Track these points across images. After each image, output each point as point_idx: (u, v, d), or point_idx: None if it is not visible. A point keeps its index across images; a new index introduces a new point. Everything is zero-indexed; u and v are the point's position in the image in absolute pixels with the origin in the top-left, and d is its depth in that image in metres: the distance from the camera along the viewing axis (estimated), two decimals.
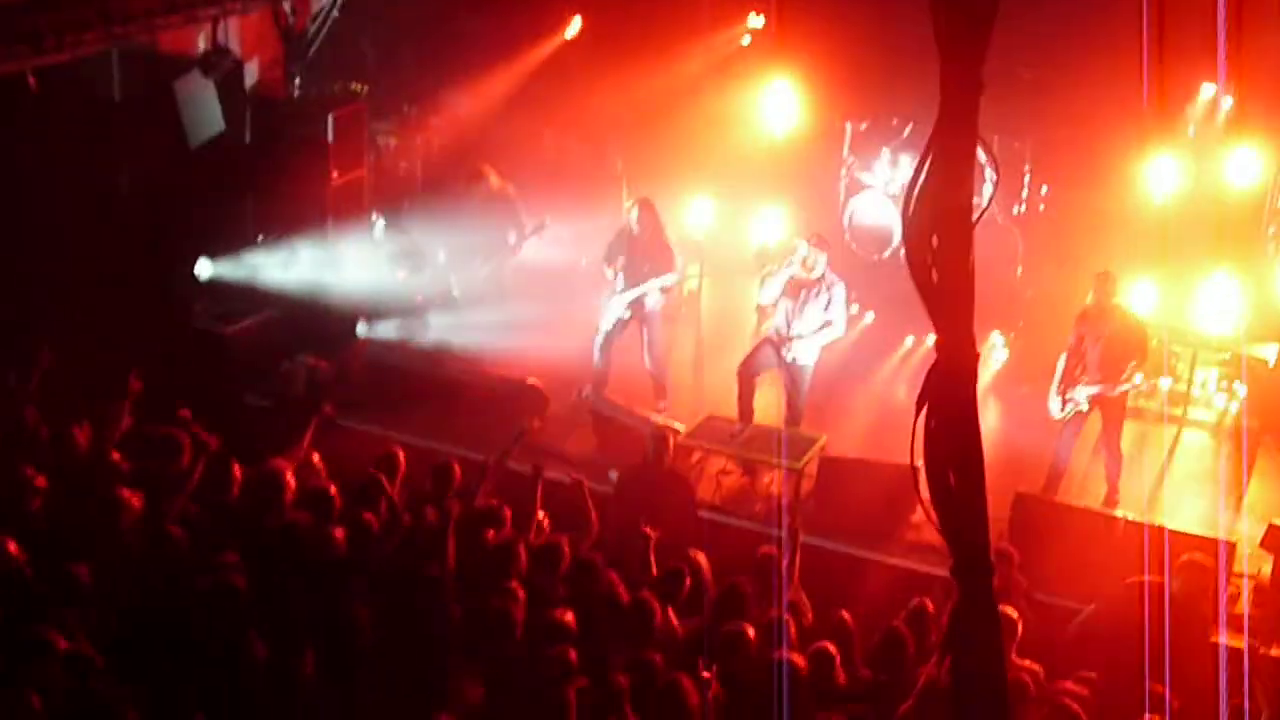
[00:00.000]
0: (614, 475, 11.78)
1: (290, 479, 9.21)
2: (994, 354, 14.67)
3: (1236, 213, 14.28)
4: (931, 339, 4.48)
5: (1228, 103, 14.95)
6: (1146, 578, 9.45)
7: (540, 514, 9.92)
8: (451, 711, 7.69)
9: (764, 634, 8.38)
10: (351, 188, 15.09)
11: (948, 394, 4.46)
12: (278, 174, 14.64)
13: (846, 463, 12.29)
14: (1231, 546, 10.92)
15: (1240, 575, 11.04)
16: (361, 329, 14.14)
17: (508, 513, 9.42)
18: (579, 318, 14.34)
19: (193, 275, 14.25)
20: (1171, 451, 13.39)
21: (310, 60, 16.07)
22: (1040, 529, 11.15)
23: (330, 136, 14.60)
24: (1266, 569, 11.14)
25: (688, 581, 9.02)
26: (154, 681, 7.49)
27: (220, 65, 14.25)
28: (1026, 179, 15.95)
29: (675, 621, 8.62)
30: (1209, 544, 10.65)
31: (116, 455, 9.31)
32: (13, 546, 8.04)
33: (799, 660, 8.03)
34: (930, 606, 8.80)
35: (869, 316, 15.36)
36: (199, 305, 14.18)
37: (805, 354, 12.68)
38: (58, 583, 7.98)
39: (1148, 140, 13.74)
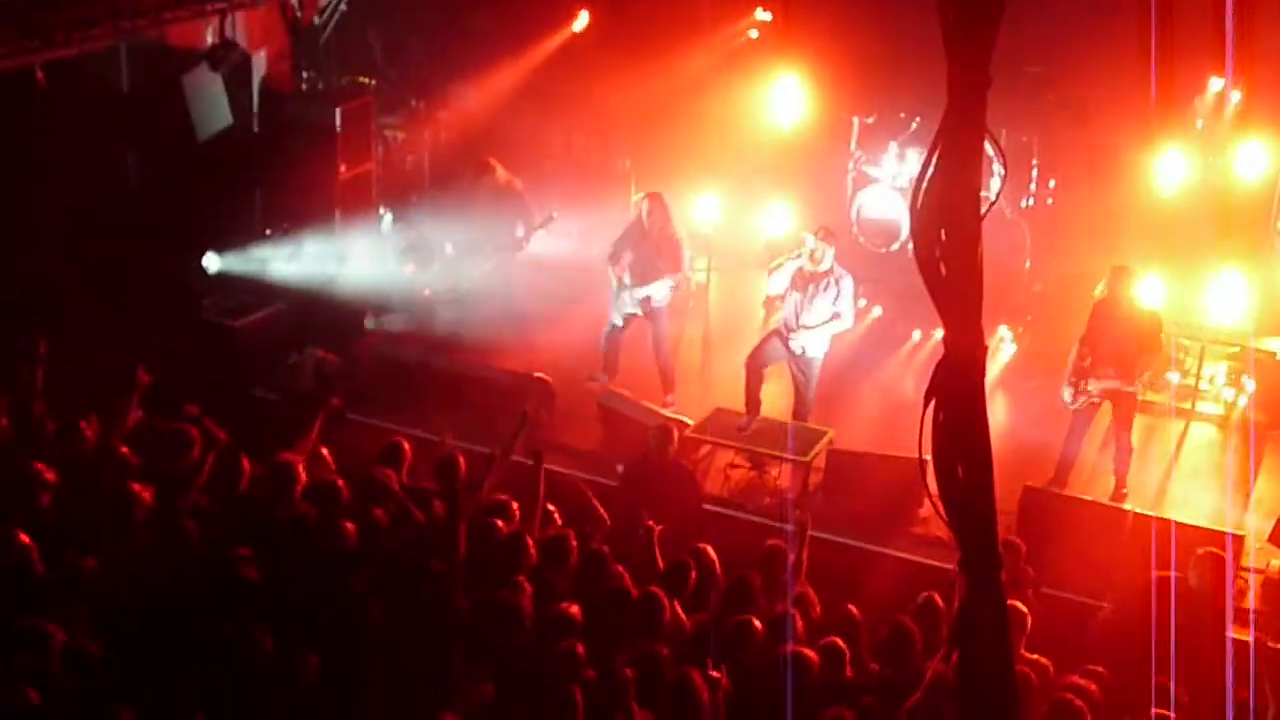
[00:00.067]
0: (621, 469, 11.80)
1: (302, 471, 9.23)
2: (1002, 347, 14.66)
3: (1244, 207, 14.27)
4: (939, 332, 4.48)
5: (1235, 97, 14.95)
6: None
7: (550, 507, 9.92)
8: (458, 707, 7.70)
9: (772, 627, 8.38)
10: (359, 181, 15.11)
11: (956, 387, 4.46)
12: (286, 167, 14.66)
13: (854, 456, 12.29)
14: (1239, 540, 10.91)
15: (1248, 569, 11.04)
16: (369, 322, 14.17)
17: (515, 505, 9.42)
18: (586, 311, 14.36)
19: (201, 268, 14.27)
20: (1179, 445, 13.39)
21: (318, 54, 16.08)
22: (1048, 522, 11.15)
23: (338, 130, 14.62)
24: (1274, 563, 11.15)
25: (693, 574, 9.02)
26: (154, 678, 7.51)
27: (228, 59, 14.25)
28: (1034, 173, 15.95)
29: (682, 615, 8.62)
30: (1217, 538, 10.64)
31: (125, 449, 9.31)
32: (24, 537, 8.06)
33: (809, 654, 8.04)
34: (939, 600, 8.80)
35: (877, 310, 15.36)
36: (208, 299, 14.21)
37: (814, 346, 12.69)
38: (65, 576, 8.00)
39: (1155, 134, 13.72)
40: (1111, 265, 12.32)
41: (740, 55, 17.82)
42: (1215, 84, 15.07)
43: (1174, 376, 12.90)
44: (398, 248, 15.32)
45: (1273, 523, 11.27)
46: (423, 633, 8.23)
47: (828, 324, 12.65)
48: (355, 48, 17.31)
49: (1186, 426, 13.65)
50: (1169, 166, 14.16)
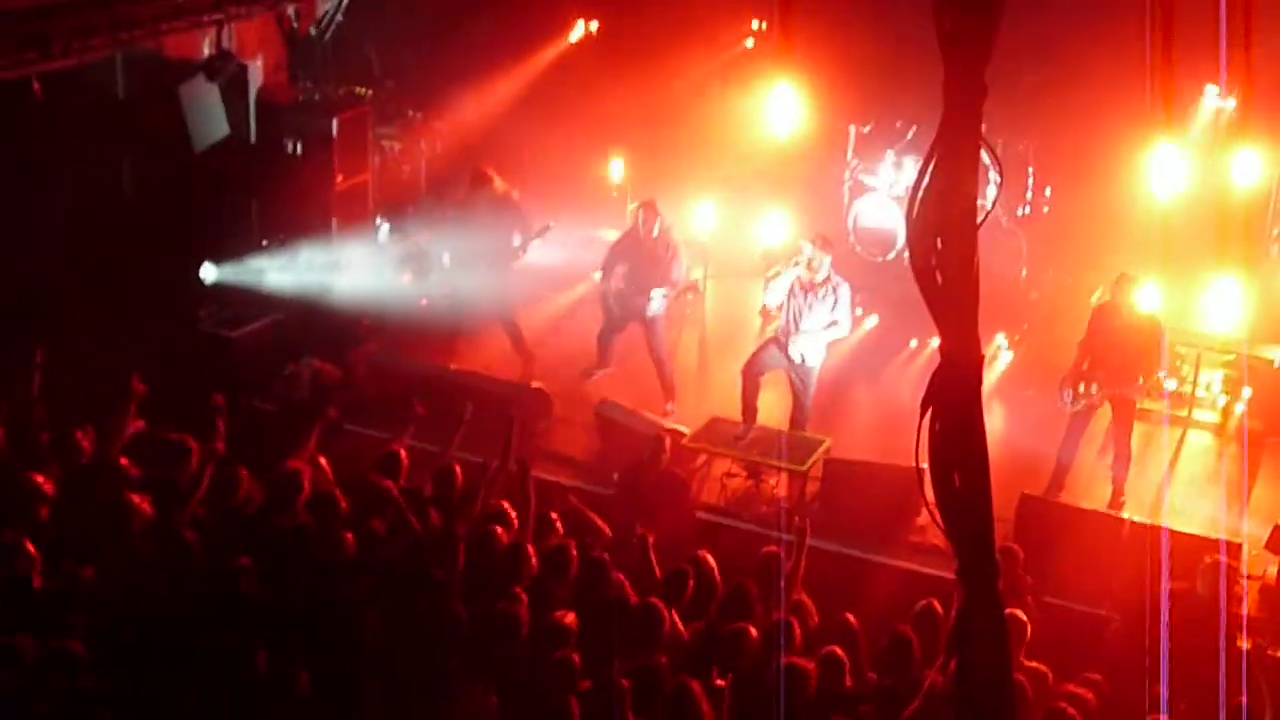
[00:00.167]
0: (616, 478, 11.81)
1: (306, 481, 9.24)
2: (998, 355, 14.66)
3: (1241, 214, 14.28)
4: (936, 341, 4.48)
5: (1231, 105, 14.96)
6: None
7: (553, 515, 9.93)
8: (457, 718, 7.70)
9: (769, 635, 8.38)
10: (356, 192, 15.11)
11: (952, 396, 4.46)
12: (282, 178, 14.66)
13: (851, 465, 12.29)
14: (1236, 548, 10.91)
15: (1245, 576, 11.03)
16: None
17: (513, 515, 9.42)
18: (582, 321, 14.39)
19: (198, 279, 14.27)
20: (1176, 453, 13.39)
21: (314, 64, 16.09)
22: (1045, 530, 11.15)
23: (335, 140, 14.62)
24: (1272, 570, 11.14)
25: (691, 583, 9.02)
26: (151, 688, 7.50)
27: (224, 69, 14.26)
28: (1030, 181, 15.98)
29: (680, 624, 8.61)
30: (1214, 545, 10.64)
31: (123, 459, 9.30)
32: (30, 547, 8.07)
33: (807, 665, 8.03)
34: (938, 607, 8.79)
35: (873, 319, 15.36)
36: (204, 309, 14.20)
37: (811, 353, 12.70)
38: (64, 586, 7.99)
39: (1152, 142, 13.74)
40: (1116, 273, 12.34)
41: (737, 64, 17.86)
42: (1212, 92, 15.08)
43: (1171, 384, 12.88)
44: (395, 258, 15.32)
45: (1269, 530, 11.28)
46: (421, 643, 8.23)
47: (825, 331, 12.67)
48: (352, 58, 17.32)
49: (1183, 434, 13.65)
50: (1165, 175, 14.16)
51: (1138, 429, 12.69)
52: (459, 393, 13.18)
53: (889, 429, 12.96)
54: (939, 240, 4.34)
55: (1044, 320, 15.12)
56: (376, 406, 12.89)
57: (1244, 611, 10.25)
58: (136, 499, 8.64)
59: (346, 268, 14.79)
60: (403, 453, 9.99)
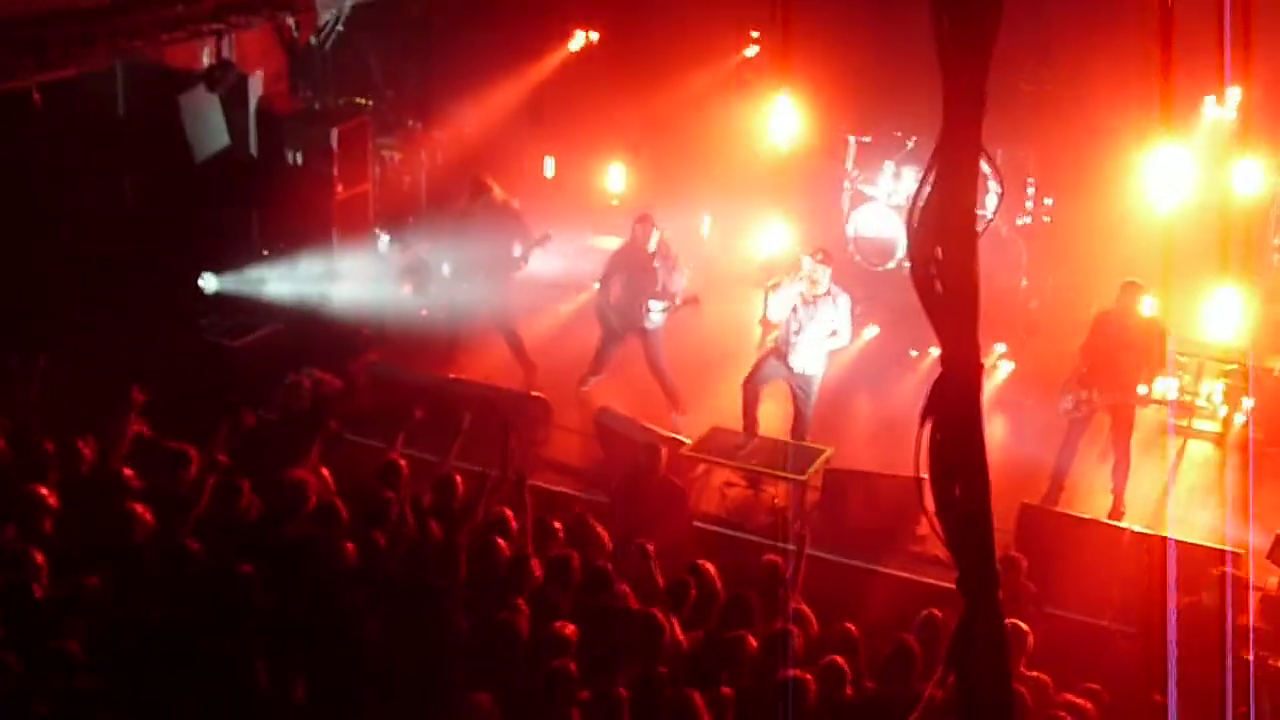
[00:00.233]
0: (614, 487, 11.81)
1: (310, 491, 9.24)
2: (999, 365, 14.65)
3: (1242, 223, 14.28)
4: (936, 350, 4.47)
5: (1233, 114, 14.96)
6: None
7: (557, 525, 9.93)
8: None
9: (768, 644, 8.37)
10: (356, 202, 15.10)
11: (952, 405, 4.45)
12: (282, 188, 14.65)
13: (851, 475, 12.29)
14: (1238, 558, 10.89)
15: (1247, 587, 11.01)
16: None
17: (515, 523, 9.42)
18: (582, 330, 14.39)
19: (198, 289, 14.27)
20: (1178, 463, 13.39)
21: (315, 74, 16.10)
22: (1046, 540, 11.14)
23: (335, 150, 14.62)
24: (1273, 581, 11.13)
25: (693, 592, 9.01)
26: (150, 693, 7.49)
27: (224, 79, 14.27)
28: (1031, 190, 15.98)
29: (680, 635, 8.60)
30: (1216, 555, 10.64)
31: (124, 469, 9.30)
32: (39, 557, 8.07)
33: (806, 677, 8.01)
34: (940, 616, 8.77)
35: (873, 329, 15.35)
36: (205, 318, 14.20)
37: (812, 363, 12.71)
38: (68, 595, 7.98)
39: (1152, 151, 13.74)
40: (1117, 282, 12.35)
41: (736, 75, 17.87)
42: (1212, 101, 15.09)
43: (1172, 392, 12.89)
44: (395, 268, 15.32)
45: (1271, 540, 11.26)
46: (422, 653, 8.22)
47: (825, 342, 12.68)
48: (352, 68, 17.34)
49: (1184, 444, 13.65)
50: (1166, 184, 14.16)
51: (1139, 439, 12.69)
52: (459, 402, 13.20)
53: (889, 438, 12.96)
54: (939, 250, 4.34)
55: (1044, 329, 15.11)
56: (376, 416, 12.88)
57: (1248, 622, 10.23)
58: (138, 508, 8.64)
59: (347, 277, 14.79)
60: (402, 462, 9.99)
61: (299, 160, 14.75)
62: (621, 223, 14.87)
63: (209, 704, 7.52)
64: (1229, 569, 9.95)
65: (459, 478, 9.88)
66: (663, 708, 7.71)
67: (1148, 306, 12.46)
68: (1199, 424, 13.83)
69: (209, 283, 14.29)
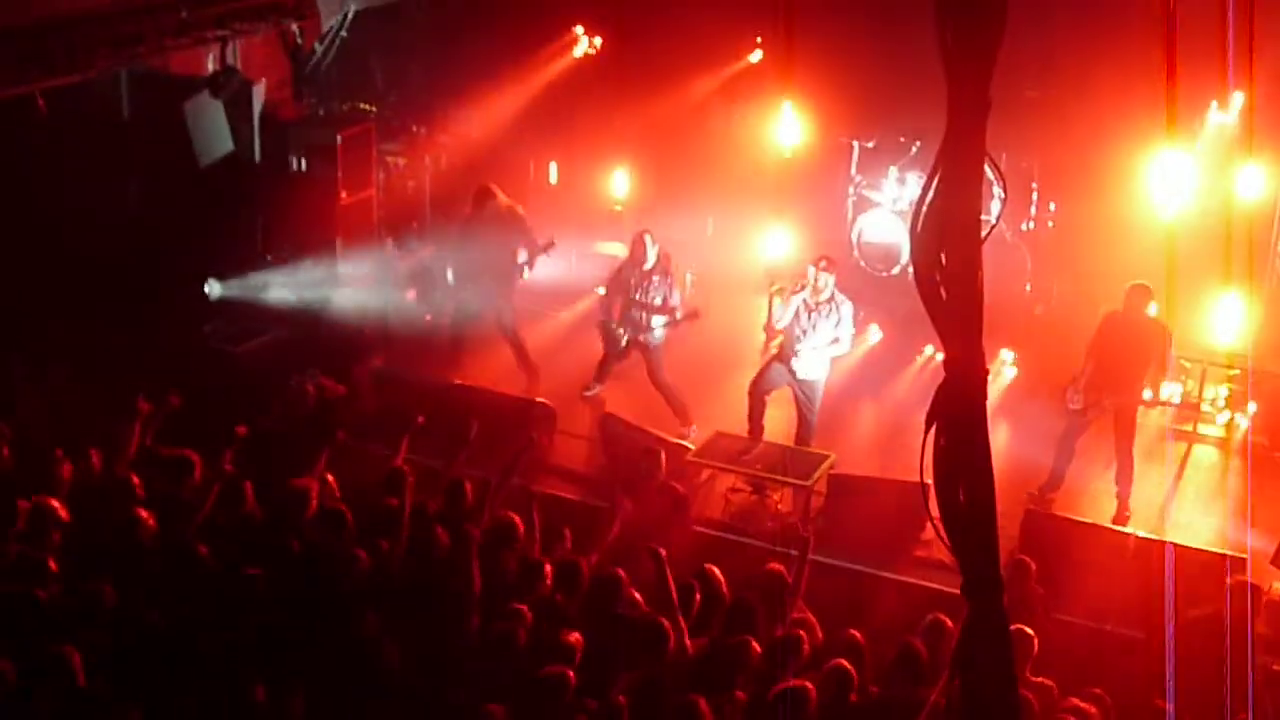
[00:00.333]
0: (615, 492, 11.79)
1: (314, 498, 9.24)
2: (1003, 370, 14.64)
3: (1245, 228, 14.27)
4: (940, 356, 4.48)
5: (1237, 119, 14.96)
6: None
7: (566, 531, 9.94)
8: None
9: (771, 650, 8.36)
10: (360, 207, 15.12)
11: (957, 411, 4.45)
12: (286, 194, 14.67)
13: (856, 480, 12.29)
14: (1241, 563, 10.89)
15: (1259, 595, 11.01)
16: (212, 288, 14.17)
17: (521, 527, 9.42)
18: (586, 337, 14.40)
19: (203, 295, 14.28)
20: (1181, 468, 13.38)
21: (319, 80, 16.11)
22: (1050, 545, 11.13)
23: (339, 156, 14.63)
24: (1277, 586, 11.12)
25: (698, 597, 9.01)
26: (152, 700, 7.51)
27: (229, 85, 14.29)
28: (1035, 196, 15.99)
29: (688, 641, 8.60)
30: (1218, 560, 10.63)
31: (135, 478, 9.30)
32: (51, 564, 8.10)
33: (807, 686, 8.01)
34: (947, 622, 8.77)
35: (878, 334, 15.35)
36: (209, 324, 14.21)
37: (815, 369, 12.73)
38: (78, 603, 8.00)
39: (1156, 156, 13.73)
40: (1122, 286, 12.36)
41: (740, 80, 17.87)
42: (1217, 107, 15.09)
43: (1176, 396, 12.90)
44: (399, 274, 15.33)
45: (1274, 545, 11.26)
46: (428, 660, 8.21)
47: (828, 348, 12.70)
48: (356, 74, 17.36)
49: (1188, 448, 13.65)
50: (1169, 189, 14.14)
51: (1143, 444, 12.69)
52: (463, 408, 13.21)
53: (893, 444, 12.97)
54: (943, 255, 4.34)
55: (1049, 335, 15.10)
56: (380, 422, 12.88)
57: (1250, 628, 10.22)
58: (143, 514, 8.65)
59: (351, 283, 14.80)
60: (408, 469, 10.00)
61: (303, 166, 14.77)
62: (625, 229, 14.90)
63: (209, 707, 7.52)
64: (1247, 578, 9.96)
65: (468, 485, 9.89)
66: (668, 714, 7.71)
67: (1153, 310, 12.47)
68: (1202, 429, 13.83)
69: (213, 288, 14.30)
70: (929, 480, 4.55)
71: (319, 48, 15.97)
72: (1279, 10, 9.37)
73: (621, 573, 9.10)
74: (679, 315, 13.50)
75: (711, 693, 7.89)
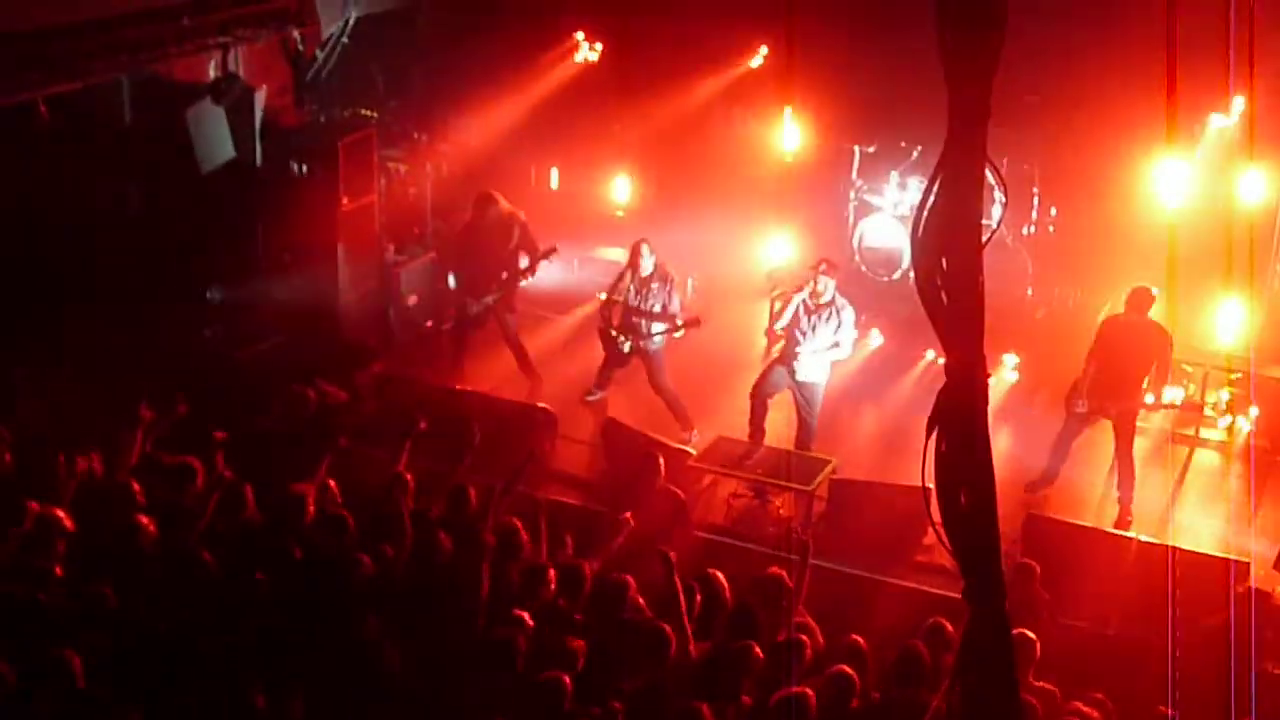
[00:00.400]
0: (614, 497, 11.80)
1: (311, 505, 9.24)
2: (1004, 375, 14.64)
3: (1247, 232, 14.27)
4: (942, 360, 4.48)
5: (1238, 123, 14.96)
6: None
7: (567, 538, 9.94)
8: None
9: (774, 656, 8.36)
10: (361, 213, 15.13)
11: (959, 416, 4.46)
12: (288, 200, 14.68)
13: (857, 485, 12.29)
14: (1243, 567, 10.89)
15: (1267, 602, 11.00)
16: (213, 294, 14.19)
17: (525, 535, 9.43)
18: (586, 342, 14.41)
19: (204, 300, 14.28)
20: (1183, 472, 13.37)
21: (320, 87, 16.13)
22: (1052, 550, 11.13)
23: (340, 162, 14.64)
24: (1279, 590, 11.12)
25: (698, 599, 9.01)
26: (151, 705, 7.52)
27: (230, 92, 14.31)
28: (1035, 201, 15.99)
29: (691, 646, 8.60)
30: (1221, 565, 10.63)
31: (136, 485, 9.30)
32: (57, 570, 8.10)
33: (816, 686, 8.01)
34: (948, 626, 8.76)
35: (879, 339, 15.35)
36: (210, 329, 14.22)
37: (815, 373, 12.74)
38: (78, 607, 8.01)
39: (1157, 161, 13.74)
40: (1123, 290, 12.38)
41: (742, 86, 17.88)
42: (1218, 111, 15.10)
43: (1177, 399, 12.89)
44: (400, 280, 15.35)
45: (1276, 549, 11.26)
46: (431, 666, 8.21)
47: (827, 352, 12.71)
48: (357, 81, 17.36)
49: (1190, 453, 13.65)
50: (1171, 193, 14.16)
51: (1146, 448, 12.69)
52: (465, 413, 13.22)
53: (895, 449, 12.96)
54: (944, 260, 4.35)
55: (1050, 340, 15.10)
56: (382, 427, 12.88)
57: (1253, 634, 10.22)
58: (143, 520, 8.65)
59: (352, 289, 14.81)
60: (409, 475, 10.00)
61: (304, 172, 14.78)
62: (626, 235, 14.91)
63: (209, 709, 7.53)
64: (1251, 585, 9.96)
65: (471, 490, 9.89)
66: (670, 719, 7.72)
67: (1154, 311, 12.48)
68: (1204, 433, 13.83)
69: (214, 294, 14.30)
70: (930, 485, 4.55)
71: (320, 54, 16.00)
72: None
73: (627, 578, 9.10)
74: (679, 323, 13.49)
75: (715, 698, 7.89)
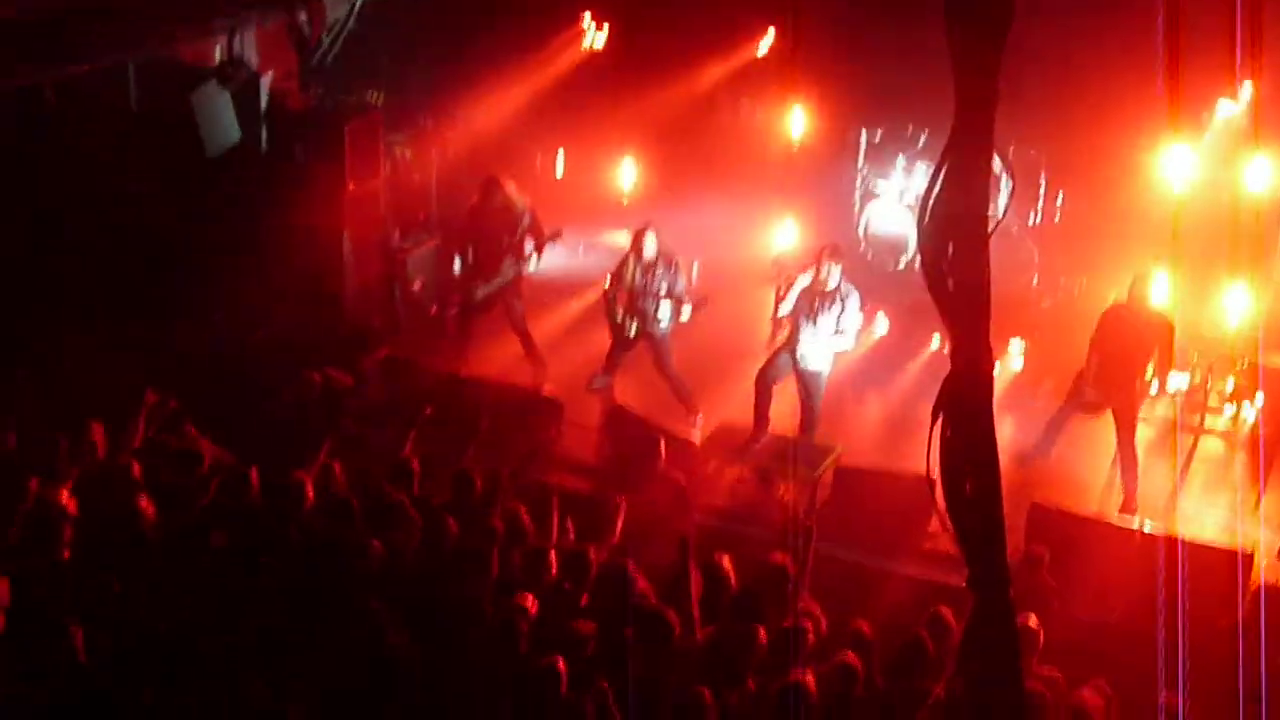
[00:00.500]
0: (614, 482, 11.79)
1: (310, 490, 9.24)
2: (1010, 364, 14.62)
3: (1254, 220, 14.24)
4: (947, 348, 4.47)
5: (1245, 110, 14.92)
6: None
7: (567, 523, 9.94)
8: None
9: (776, 642, 8.36)
10: (367, 198, 15.10)
11: (964, 403, 4.45)
12: (293, 184, 14.65)
13: (862, 473, 12.28)
14: (1248, 556, 10.88)
15: (1256, 585, 11.00)
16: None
17: (528, 522, 9.43)
18: (592, 328, 14.40)
19: (210, 284, 14.26)
20: (1188, 460, 13.35)
21: (326, 71, 16.09)
22: (1056, 538, 11.12)
23: (346, 147, 14.61)
24: None
25: (700, 582, 9.02)
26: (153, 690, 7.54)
27: (236, 76, 14.28)
28: (1042, 188, 15.95)
29: (699, 631, 8.61)
30: (1227, 554, 10.62)
31: (137, 468, 9.31)
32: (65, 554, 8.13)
33: (820, 672, 8.01)
34: (948, 614, 8.76)
35: (884, 326, 15.32)
36: (218, 314, 14.20)
37: (817, 359, 12.72)
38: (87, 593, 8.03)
39: (1164, 149, 13.71)
40: (1129, 278, 12.37)
41: (748, 72, 17.85)
42: (1225, 98, 15.05)
43: (1182, 386, 12.89)
44: (405, 264, 15.34)
45: None
46: (436, 651, 8.22)
47: (831, 339, 12.69)
48: (363, 65, 17.33)
49: (1195, 441, 13.62)
50: (1177, 181, 14.13)
51: (1151, 436, 12.68)
52: (471, 399, 13.23)
53: (900, 436, 12.95)
54: (950, 246, 4.34)
55: (1056, 328, 15.07)
56: (388, 412, 12.89)
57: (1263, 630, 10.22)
58: (144, 503, 8.66)
59: (357, 274, 14.79)
60: (414, 461, 10.00)
61: (310, 156, 14.75)
62: (632, 220, 14.89)
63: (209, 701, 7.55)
64: (1261, 580, 9.97)
65: (477, 476, 9.89)
66: (674, 705, 7.72)
67: (1158, 299, 12.45)
68: (1209, 421, 13.80)
69: (220, 278, 14.28)
70: (935, 472, 4.55)
71: (326, 39, 15.95)
72: None
73: (631, 564, 9.10)
74: (688, 305, 13.46)
75: (720, 683, 7.89)
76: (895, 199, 16.08)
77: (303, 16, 15.34)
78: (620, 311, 13.61)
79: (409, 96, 17.94)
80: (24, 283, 12.75)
